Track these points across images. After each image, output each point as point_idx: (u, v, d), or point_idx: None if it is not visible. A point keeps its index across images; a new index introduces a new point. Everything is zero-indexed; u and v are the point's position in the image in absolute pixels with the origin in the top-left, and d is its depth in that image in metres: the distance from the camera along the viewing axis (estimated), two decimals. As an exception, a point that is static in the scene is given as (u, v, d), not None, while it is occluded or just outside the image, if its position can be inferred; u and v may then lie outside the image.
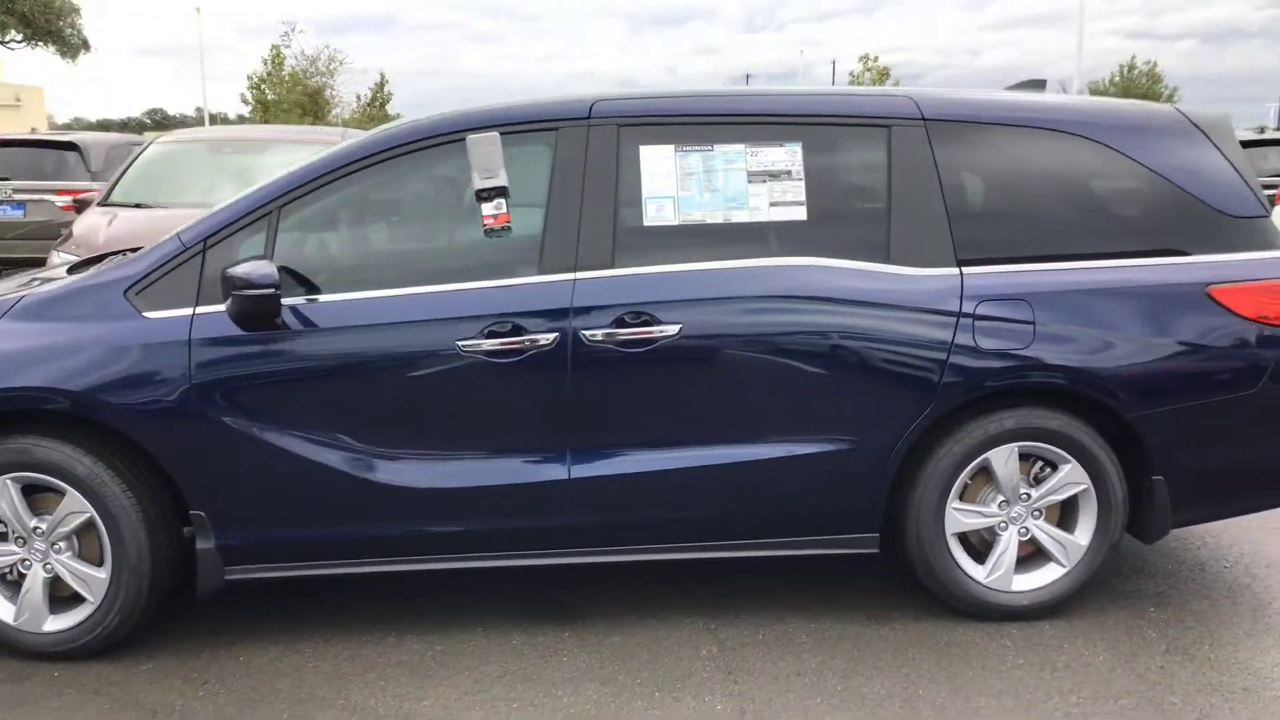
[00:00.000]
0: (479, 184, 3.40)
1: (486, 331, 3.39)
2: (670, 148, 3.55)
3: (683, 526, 3.60)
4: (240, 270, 3.22)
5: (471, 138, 3.44)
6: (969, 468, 3.62)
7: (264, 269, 3.22)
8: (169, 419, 3.35)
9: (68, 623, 3.46)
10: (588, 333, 3.40)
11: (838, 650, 3.52)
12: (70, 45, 29.43)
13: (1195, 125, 3.78)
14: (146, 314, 3.38)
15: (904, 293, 3.51)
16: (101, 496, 3.34)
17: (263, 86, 37.49)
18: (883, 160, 3.61)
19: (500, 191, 3.41)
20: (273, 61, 37.87)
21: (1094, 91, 42.84)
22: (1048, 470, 3.69)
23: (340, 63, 38.84)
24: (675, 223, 3.52)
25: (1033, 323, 3.52)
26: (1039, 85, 4.35)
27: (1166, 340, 3.59)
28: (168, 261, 3.42)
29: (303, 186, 3.48)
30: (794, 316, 3.49)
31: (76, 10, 29.12)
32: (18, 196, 11.76)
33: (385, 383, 3.42)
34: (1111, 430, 3.64)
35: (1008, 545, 3.70)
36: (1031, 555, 3.76)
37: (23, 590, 3.45)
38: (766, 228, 3.56)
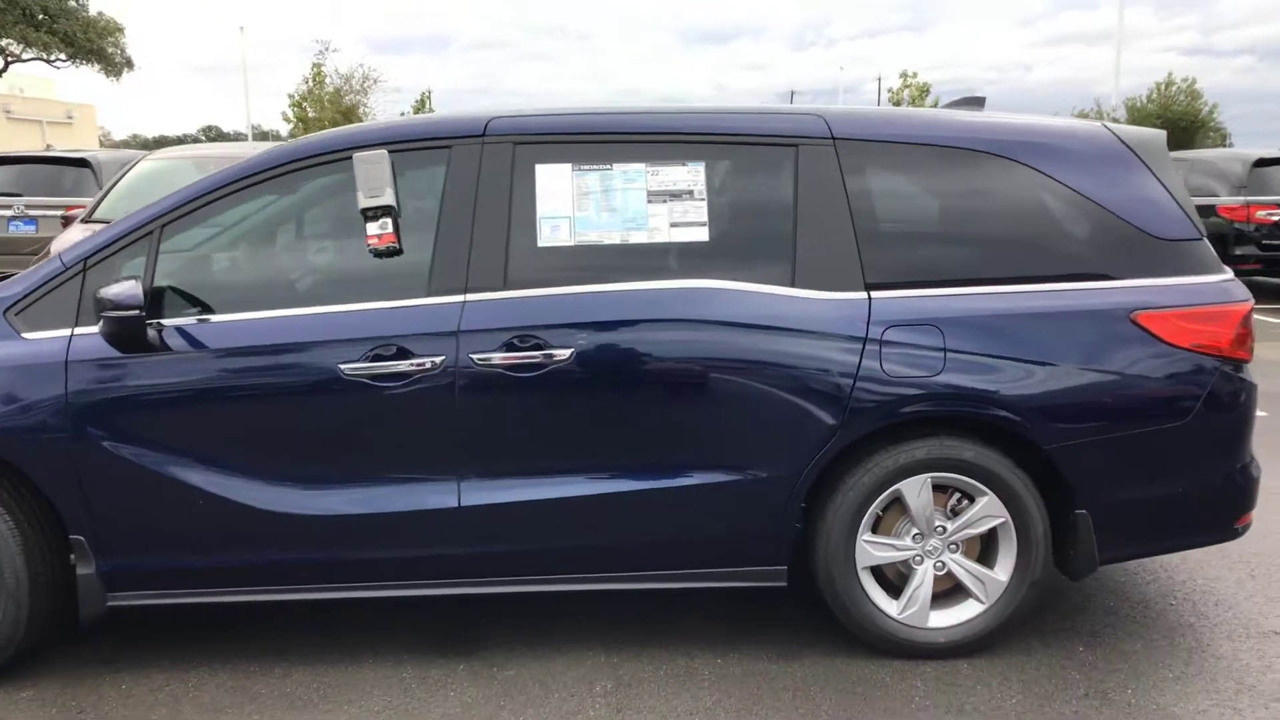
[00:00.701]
0: (363, 203, 3.31)
1: (371, 355, 3.29)
2: (567, 166, 3.44)
3: (580, 557, 3.47)
4: (108, 292, 3.15)
5: (358, 155, 3.36)
6: (880, 499, 3.46)
7: (130, 290, 3.14)
8: (47, 442, 3.28)
9: (-52, 649, 3.40)
10: (476, 356, 3.30)
11: (738, 688, 3.38)
12: (114, 64, 29.88)
13: (1126, 145, 3.61)
14: (25, 334, 3.32)
15: (808, 317, 3.37)
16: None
17: (304, 104, 37.89)
18: (789, 180, 3.47)
19: (386, 211, 3.32)
20: (314, 79, 38.28)
21: (1131, 109, 42.18)
22: (965, 503, 3.53)
23: (374, 81, 39.14)
24: (571, 243, 3.41)
25: (943, 349, 3.36)
26: (978, 103, 4.19)
27: (1088, 369, 3.42)
28: (48, 282, 3.37)
29: (186, 206, 3.41)
30: (693, 342, 3.36)
31: (120, 29, 29.58)
32: (30, 212, 11.91)
33: (266, 407, 3.33)
34: (1031, 462, 3.47)
35: (923, 580, 3.54)
36: (951, 591, 3.59)
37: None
38: (667, 249, 3.44)
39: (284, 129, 38.65)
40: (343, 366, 3.28)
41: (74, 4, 27.19)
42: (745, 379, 3.36)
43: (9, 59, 28.49)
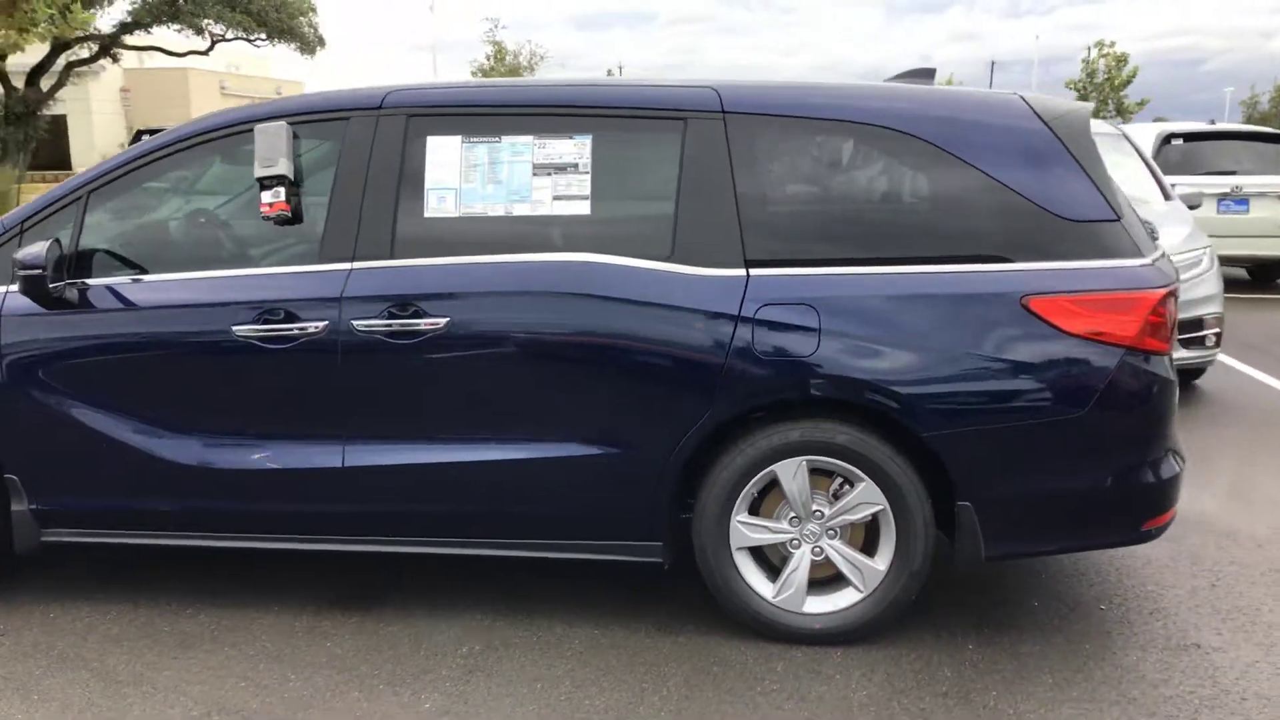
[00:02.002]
0: (258, 172, 3.49)
1: (260, 318, 3.47)
2: (457, 139, 3.52)
3: (458, 521, 3.57)
4: (19, 254, 3.43)
5: (259, 127, 3.53)
6: (754, 480, 3.42)
7: (36, 252, 3.41)
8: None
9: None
10: (358, 323, 3.43)
11: (597, 659, 3.41)
12: (307, 42, 31.35)
13: (1041, 119, 3.42)
14: (-33, 290, 3.64)
15: (682, 294, 3.35)
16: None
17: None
18: (675, 154, 3.45)
19: (279, 180, 3.48)
20: (495, 57, 39.37)
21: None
22: (848, 488, 3.44)
23: (541, 58, 39.96)
24: (455, 214, 3.49)
25: (818, 330, 3.29)
26: (928, 75, 4.03)
27: (972, 354, 3.28)
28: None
29: (111, 173, 3.66)
30: (566, 315, 3.39)
31: (312, 9, 31.03)
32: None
33: (168, 363, 3.56)
34: (911, 450, 3.36)
35: (799, 564, 3.48)
36: (834, 578, 3.52)
37: None
38: (549, 221, 3.47)
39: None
40: (235, 328, 3.47)
41: None
42: (617, 354, 3.37)
43: (214, 39, 30.32)
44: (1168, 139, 11.38)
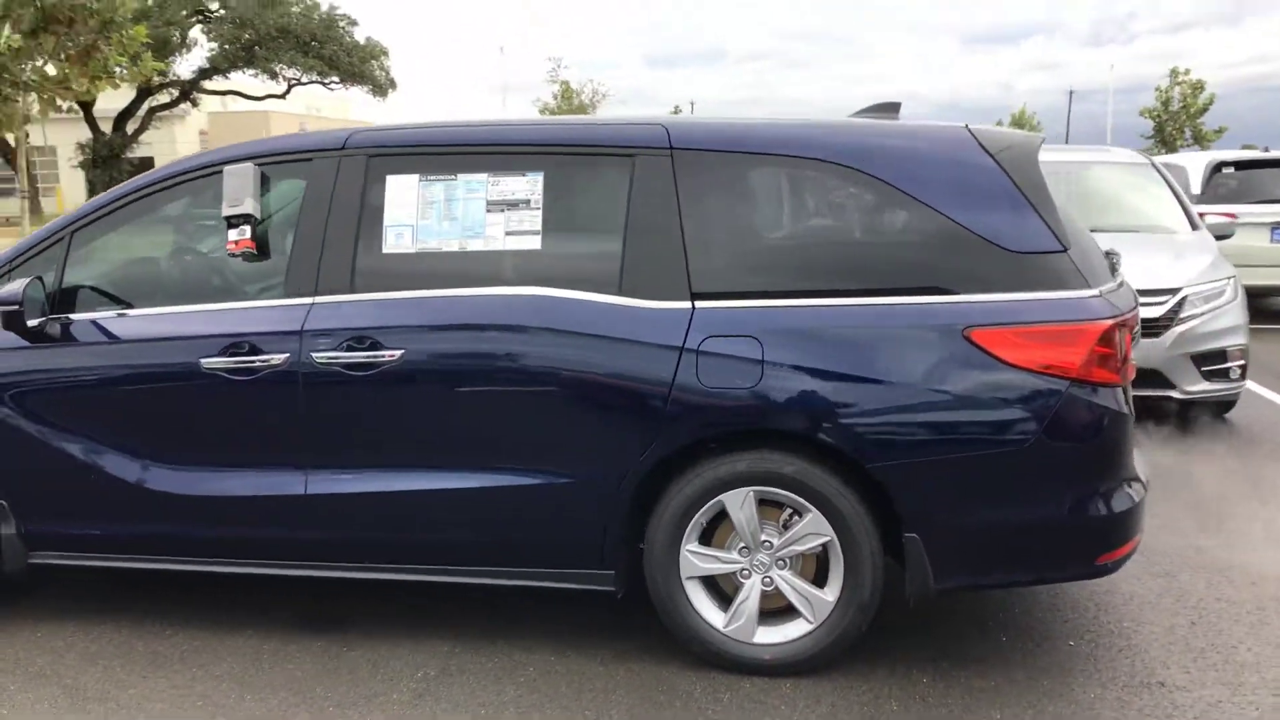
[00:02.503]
0: (225, 211, 3.64)
1: (226, 350, 3.60)
2: (415, 177, 3.63)
3: (416, 549, 3.65)
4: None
5: (227, 169, 3.69)
6: (703, 510, 3.44)
7: (12, 289, 3.59)
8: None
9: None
10: (318, 355, 3.54)
11: (547, 686, 3.45)
12: (380, 85, 32.22)
13: (986, 151, 3.42)
14: (-34, 326, 3.82)
15: (629, 326, 3.40)
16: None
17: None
18: (624, 190, 3.51)
19: (245, 219, 3.62)
20: (562, 96, 39.98)
21: None
22: (797, 519, 3.45)
23: (603, 95, 40.50)
24: (412, 250, 3.59)
25: (761, 361, 3.31)
26: (893, 109, 4.05)
27: (915, 386, 3.27)
28: (-10, 278, 3.87)
29: (92, 214, 3.84)
30: (515, 346, 3.46)
31: (385, 53, 31.91)
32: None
33: (144, 395, 3.71)
34: (858, 481, 3.36)
35: (749, 594, 3.49)
36: (786, 608, 3.52)
37: None
38: (501, 256, 3.55)
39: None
40: (202, 360, 3.61)
41: (340, 31, 29.54)
42: (566, 385, 3.43)
43: (291, 83, 31.32)
44: (1218, 168, 11.15)
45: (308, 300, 3.60)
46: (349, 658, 3.68)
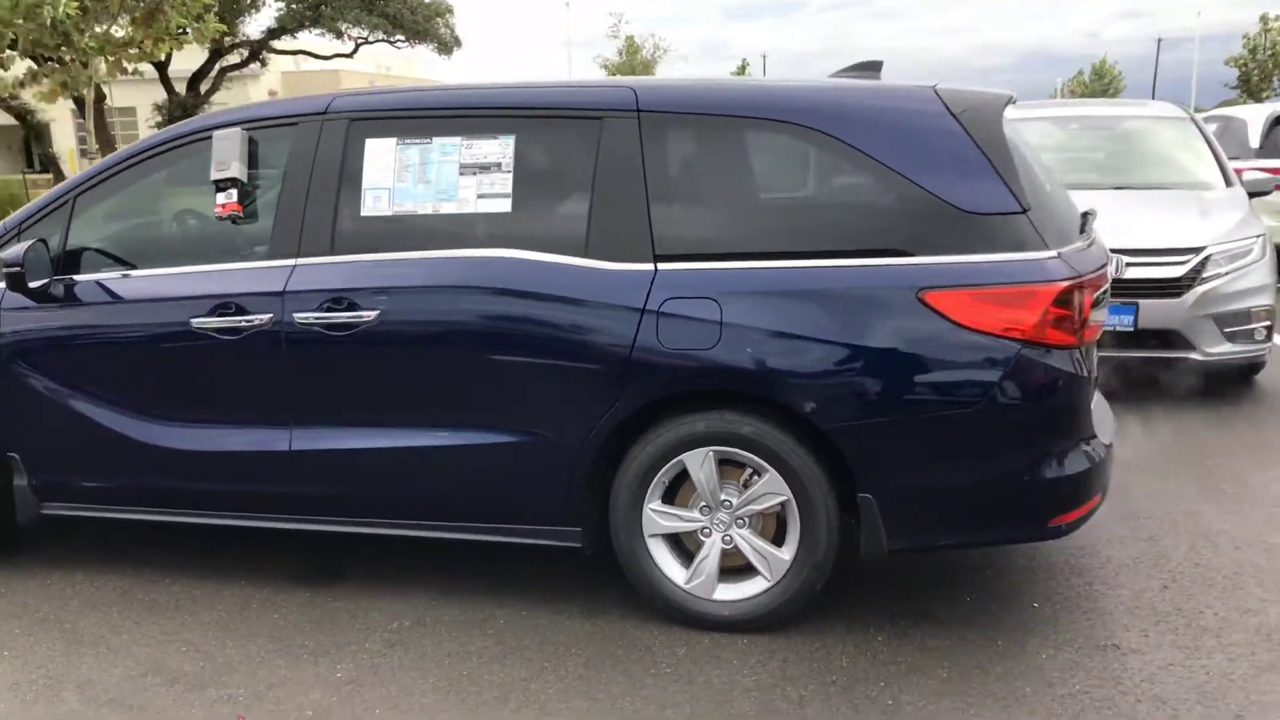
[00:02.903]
0: (213, 175, 3.78)
1: (215, 310, 3.75)
2: (393, 141, 3.73)
3: (393, 504, 3.79)
4: (2, 253, 3.81)
5: (217, 134, 3.82)
6: (664, 469, 3.52)
7: (14, 251, 3.78)
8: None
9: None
10: (299, 315, 3.68)
11: (513, 638, 3.58)
12: (444, 43, 32.35)
13: (949, 111, 3.42)
14: (-22, 288, 4.03)
15: (594, 287, 3.48)
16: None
17: (617, 75, 39.64)
18: (593, 153, 3.57)
19: (231, 183, 3.76)
20: (627, 51, 39.84)
21: None
22: (756, 478, 3.51)
23: (665, 51, 40.32)
24: (389, 213, 3.70)
25: (720, 322, 3.37)
26: (874, 68, 4.04)
27: (870, 348, 3.31)
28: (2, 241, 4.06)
29: (93, 179, 4.01)
30: (485, 307, 3.56)
31: (449, 10, 32.01)
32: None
33: (140, 353, 3.89)
34: (813, 442, 3.41)
35: (709, 552, 3.57)
36: (747, 566, 3.59)
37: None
38: (474, 219, 3.64)
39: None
40: (193, 320, 3.77)
41: None
42: (533, 345, 3.52)
43: (358, 42, 31.61)
44: (1278, 120, 10.81)
45: (291, 262, 3.73)
46: (332, 608, 3.84)
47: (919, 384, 3.31)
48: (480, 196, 3.64)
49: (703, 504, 3.56)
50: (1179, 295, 6.14)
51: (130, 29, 15.50)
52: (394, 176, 3.71)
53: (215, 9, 17.12)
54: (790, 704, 3.15)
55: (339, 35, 29.38)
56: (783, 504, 3.47)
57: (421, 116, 3.75)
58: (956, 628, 3.58)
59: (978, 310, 3.25)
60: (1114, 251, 6.04)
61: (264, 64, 30.37)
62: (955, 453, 3.34)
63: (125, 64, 15.43)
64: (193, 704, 3.24)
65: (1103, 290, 3.52)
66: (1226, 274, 6.18)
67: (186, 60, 29.10)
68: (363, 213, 3.72)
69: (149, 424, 3.90)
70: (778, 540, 3.54)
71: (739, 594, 3.57)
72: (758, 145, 3.55)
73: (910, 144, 3.40)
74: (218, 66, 29.38)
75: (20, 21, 13.26)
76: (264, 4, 28.22)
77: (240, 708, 3.21)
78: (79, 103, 18.64)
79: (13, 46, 14.01)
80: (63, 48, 14.04)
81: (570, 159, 3.66)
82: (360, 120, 3.77)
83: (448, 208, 3.66)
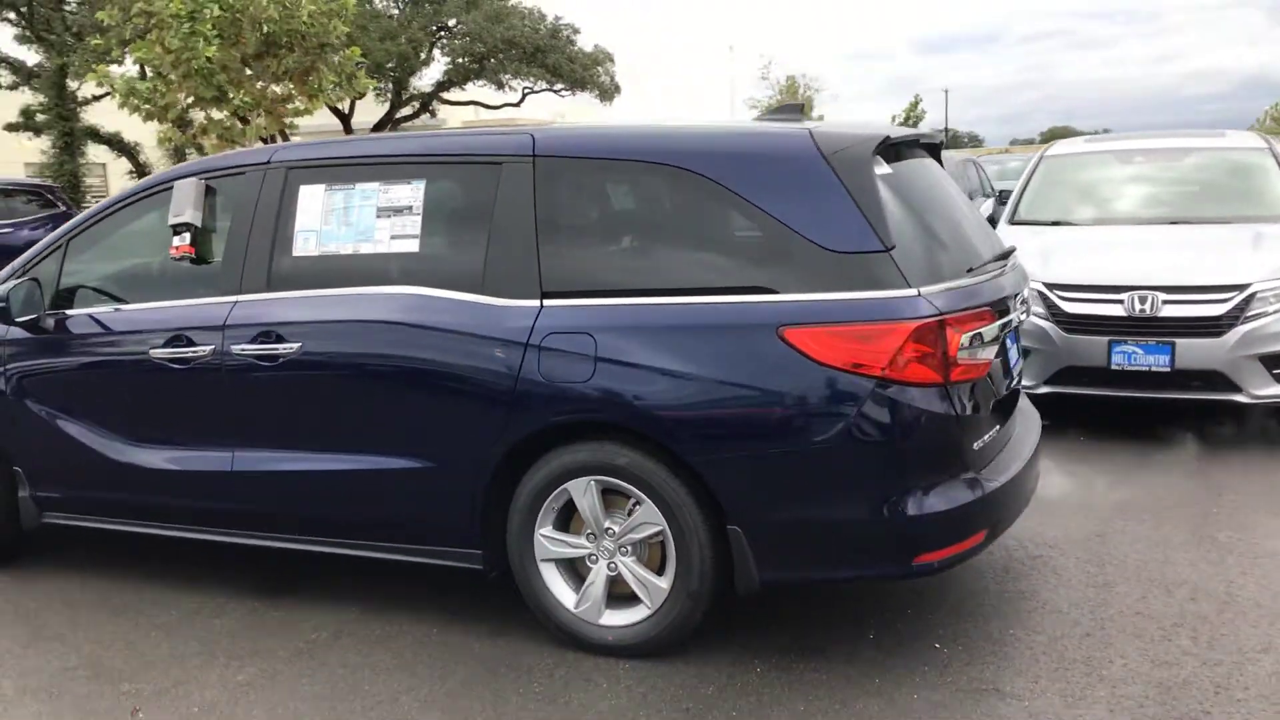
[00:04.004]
0: (170, 220, 4.15)
1: (169, 342, 4.12)
2: (322, 187, 4.02)
3: (317, 523, 4.04)
4: None
5: (177, 183, 4.20)
6: (551, 496, 3.65)
7: (1, 289, 4.25)
8: (-6, 396, 4.50)
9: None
10: (235, 347, 4.00)
11: (410, 653, 3.76)
12: (605, 90, 33.21)
13: (820, 152, 3.44)
14: (-8, 321, 4.53)
15: (486, 323, 3.65)
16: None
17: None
18: (492, 195, 3.76)
19: (185, 227, 4.13)
20: (787, 91, 39.98)
21: None
22: (637, 508, 3.59)
23: (816, 91, 40.21)
24: (316, 253, 3.98)
25: (594, 357, 3.49)
26: (797, 110, 4.09)
27: (732, 383, 3.36)
28: (6, 280, 4.56)
29: (83, 224, 4.47)
30: (390, 340, 3.78)
31: (609, 59, 32.86)
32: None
33: (113, 379, 4.30)
34: (689, 473, 3.47)
35: (596, 578, 3.66)
36: (632, 594, 3.66)
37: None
38: (387, 259, 3.88)
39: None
40: (152, 351, 4.14)
41: (564, 40, 30.64)
42: (432, 376, 3.72)
43: (524, 92, 32.84)
44: None
45: (233, 298, 4.06)
46: (269, 617, 4.12)
47: (779, 419, 3.33)
48: (393, 237, 3.87)
49: (589, 531, 3.66)
50: (1220, 334, 5.81)
51: (289, 86, 16.65)
52: (321, 220, 3.99)
53: (364, 66, 18.18)
54: (627, 728, 3.22)
55: (500, 87, 30.55)
56: (660, 534, 3.53)
57: (347, 165, 4.03)
58: (841, 664, 3.55)
59: (834, 347, 3.26)
60: (1150, 289, 5.85)
61: (433, 114, 31.84)
62: (816, 487, 3.34)
63: (282, 119, 16.57)
64: (103, 695, 3.56)
65: (991, 326, 3.47)
66: (1276, 312, 5.81)
67: (368, 113, 30.96)
68: (294, 253, 4.01)
69: (121, 444, 4.29)
70: (661, 569, 3.60)
71: (623, 620, 3.64)
72: (639, 187, 3.66)
73: (779, 184, 3.44)
74: (394, 119, 31.03)
75: (180, 77, 14.50)
76: (433, 60, 29.73)
77: (140, 702, 3.50)
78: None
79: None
80: (220, 103, 15.21)
81: (473, 202, 3.85)
82: (295, 169, 4.07)
83: (366, 248, 3.91)
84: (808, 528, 3.38)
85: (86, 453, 4.34)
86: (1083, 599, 4.01)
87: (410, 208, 3.86)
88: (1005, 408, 3.86)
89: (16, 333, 4.44)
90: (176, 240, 4.15)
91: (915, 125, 49.69)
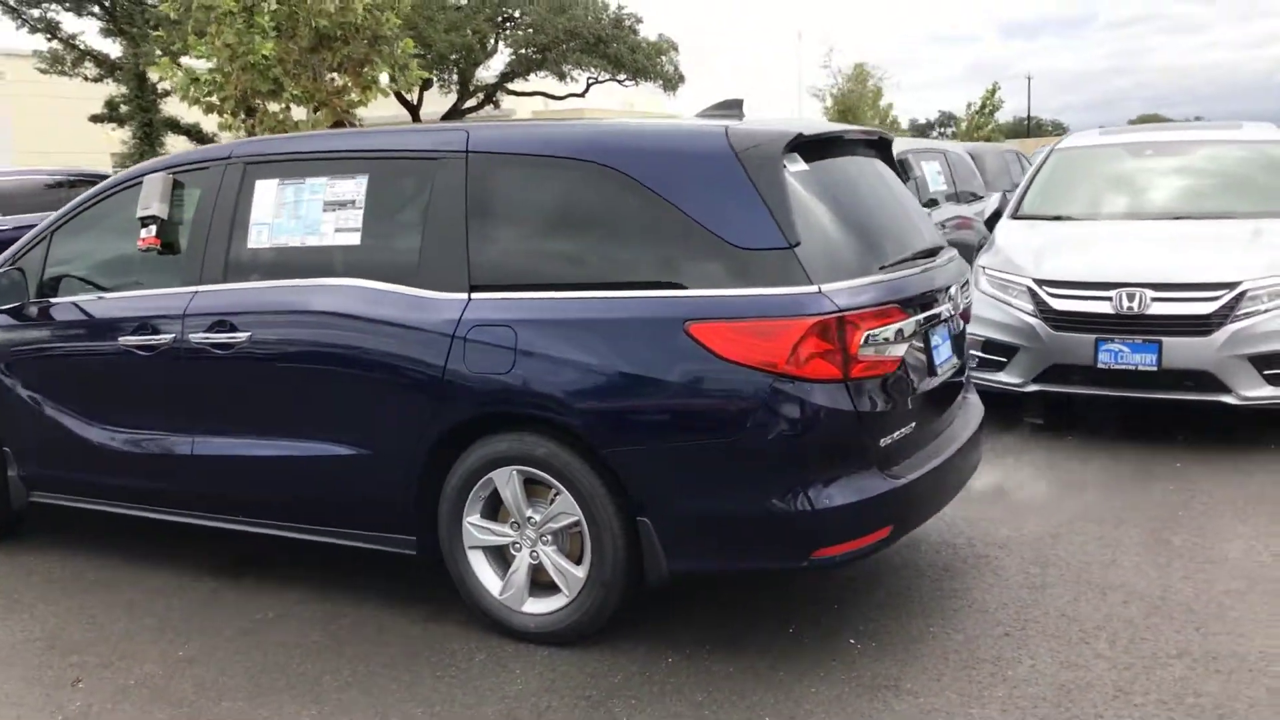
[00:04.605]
0: (139, 213, 4.35)
1: (136, 330, 4.31)
2: (275, 181, 4.17)
3: (265, 507, 4.21)
4: None
5: (146, 177, 4.39)
6: (478, 485, 3.76)
7: None
8: (-17, 379, 4.76)
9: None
10: (193, 335, 4.18)
11: (345, 634, 3.90)
12: (669, 80, 33.21)
13: (732, 149, 3.50)
14: (-14, 307, 4.78)
15: (417, 315, 3.78)
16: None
17: (841, 102, 39.44)
18: (428, 191, 3.88)
19: (151, 220, 4.32)
20: (855, 78, 39.58)
21: None
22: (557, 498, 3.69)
23: (882, 79, 39.72)
24: (268, 245, 4.14)
25: (514, 349, 3.59)
26: (736, 106, 4.13)
27: (640, 376, 3.44)
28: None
29: (65, 215, 4.69)
30: (327, 331, 3.93)
31: (673, 48, 32.85)
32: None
33: (87, 365, 4.51)
34: (601, 464, 3.55)
35: (519, 566, 3.77)
36: (553, 582, 3.76)
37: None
38: (331, 251, 4.02)
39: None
40: (121, 338, 4.34)
41: (626, 30, 30.68)
42: (368, 366, 3.86)
43: (589, 82, 32.99)
44: None
45: (193, 289, 4.24)
46: (226, 597, 4.30)
47: (685, 413, 3.41)
48: (337, 230, 4.01)
49: (513, 521, 3.76)
50: (1207, 333, 5.71)
51: (345, 78, 16.99)
52: (274, 213, 4.15)
53: (418, 58, 18.44)
54: (531, 713, 3.31)
55: (562, 78, 30.75)
56: (578, 524, 3.62)
57: (299, 160, 4.18)
58: (752, 656, 3.61)
59: (735, 343, 3.32)
60: (1138, 287, 5.77)
61: (496, 105, 32.18)
62: (719, 480, 3.40)
63: (337, 110, 16.90)
64: (51, 666, 3.77)
65: (903, 323, 3.49)
66: (1267, 311, 5.69)
67: (436, 104, 31.42)
68: (249, 245, 4.17)
69: (95, 426, 4.50)
70: (580, 559, 3.69)
71: (544, 608, 3.74)
72: (563, 183, 3.74)
73: (693, 181, 3.50)
74: (459, 109, 31.45)
75: (238, 70, 14.90)
76: (497, 51, 30.05)
77: (84, 673, 3.70)
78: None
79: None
80: (276, 95, 15.59)
81: (411, 197, 3.97)
82: (253, 164, 4.24)
83: (312, 240, 4.06)
84: (712, 520, 3.44)
85: (65, 434, 4.56)
86: (1013, 599, 4.00)
87: (354, 202, 4.00)
88: (932, 403, 3.87)
89: (5, 319, 4.68)
90: (144, 232, 4.34)
91: (992, 114, 48.84)
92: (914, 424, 3.67)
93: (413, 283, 3.82)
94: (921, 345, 3.75)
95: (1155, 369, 5.79)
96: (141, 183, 4.48)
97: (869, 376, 3.41)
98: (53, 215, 4.80)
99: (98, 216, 4.68)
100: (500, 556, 3.86)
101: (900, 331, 3.51)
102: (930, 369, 3.84)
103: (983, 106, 50.39)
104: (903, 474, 3.52)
